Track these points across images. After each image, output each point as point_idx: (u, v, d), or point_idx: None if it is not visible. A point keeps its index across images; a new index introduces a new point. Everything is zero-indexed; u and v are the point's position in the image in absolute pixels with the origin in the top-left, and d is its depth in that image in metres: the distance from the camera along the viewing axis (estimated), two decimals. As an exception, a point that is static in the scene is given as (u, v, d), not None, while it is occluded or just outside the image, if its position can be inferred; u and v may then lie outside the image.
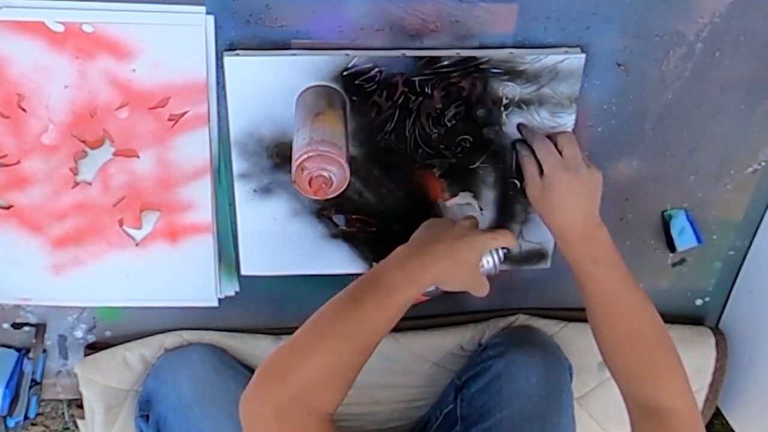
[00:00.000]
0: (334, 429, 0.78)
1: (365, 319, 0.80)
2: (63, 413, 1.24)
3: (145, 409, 1.03)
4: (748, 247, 1.11)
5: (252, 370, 1.09)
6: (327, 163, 0.79)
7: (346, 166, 0.79)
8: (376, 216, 1.00)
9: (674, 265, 1.12)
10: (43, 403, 1.21)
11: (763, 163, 1.03)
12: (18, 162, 0.93)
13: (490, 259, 0.91)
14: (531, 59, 0.88)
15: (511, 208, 1.00)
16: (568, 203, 0.89)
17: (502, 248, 0.92)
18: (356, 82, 0.88)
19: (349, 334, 0.80)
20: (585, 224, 0.90)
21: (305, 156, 0.78)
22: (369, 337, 0.81)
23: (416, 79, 0.88)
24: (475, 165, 0.96)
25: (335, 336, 0.79)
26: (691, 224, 1.06)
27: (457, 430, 1.01)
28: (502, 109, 0.91)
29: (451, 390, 1.07)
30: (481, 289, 0.90)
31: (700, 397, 1.17)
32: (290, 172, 0.80)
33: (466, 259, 0.87)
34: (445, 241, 0.87)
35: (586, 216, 0.90)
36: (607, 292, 0.89)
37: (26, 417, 1.12)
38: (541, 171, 0.90)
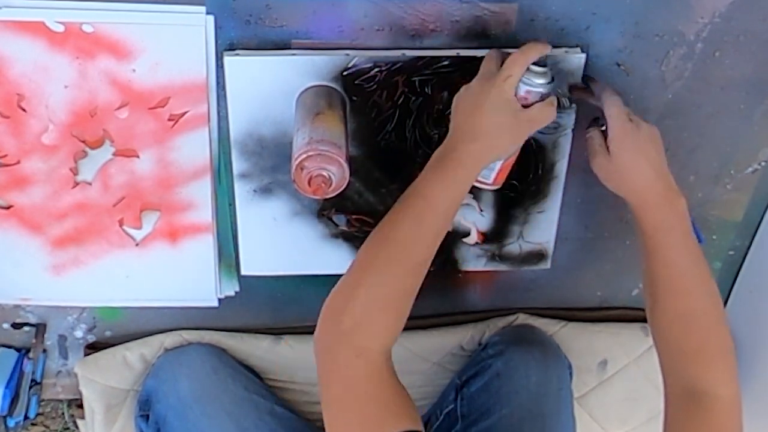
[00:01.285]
0: (387, 372, 0.76)
1: (405, 237, 0.77)
2: (63, 413, 1.24)
3: (145, 409, 1.03)
4: (748, 247, 1.11)
5: (252, 370, 1.09)
6: (326, 163, 0.79)
7: (345, 165, 0.79)
8: (376, 216, 0.99)
9: (674, 265, 1.12)
10: (43, 403, 1.21)
11: (763, 163, 1.03)
12: (18, 162, 0.93)
13: (525, 85, 0.80)
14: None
15: (511, 208, 1.00)
16: (642, 161, 0.84)
17: (533, 64, 0.80)
18: (356, 82, 0.88)
19: (390, 258, 0.77)
20: (664, 183, 0.85)
21: (305, 155, 0.79)
22: (414, 255, 0.78)
23: (416, 79, 0.88)
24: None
25: (375, 264, 0.77)
26: (692, 224, 1.05)
27: (457, 429, 1.01)
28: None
29: (452, 389, 1.07)
30: (539, 122, 0.81)
31: (700, 397, 1.17)
32: (290, 171, 0.80)
33: (493, 123, 0.79)
34: (463, 124, 0.80)
35: (663, 176, 0.85)
36: (677, 265, 0.84)
37: (26, 417, 1.12)
38: (604, 137, 0.86)
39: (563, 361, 1.06)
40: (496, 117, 0.79)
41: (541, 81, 0.80)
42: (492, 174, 0.86)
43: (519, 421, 0.97)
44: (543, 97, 0.81)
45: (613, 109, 0.84)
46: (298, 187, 0.80)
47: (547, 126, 0.83)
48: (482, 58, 0.87)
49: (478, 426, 0.98)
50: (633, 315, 1.15)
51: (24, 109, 0.89)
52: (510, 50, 0.82)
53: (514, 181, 0.97)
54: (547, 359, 1.01)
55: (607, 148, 0.85)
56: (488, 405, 0.99)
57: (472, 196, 0.99)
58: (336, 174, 0.80)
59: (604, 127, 0.87)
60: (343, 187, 0.81)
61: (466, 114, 0.80)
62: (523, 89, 0.80)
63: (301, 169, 0.79)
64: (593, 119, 0.90)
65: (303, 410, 1.11)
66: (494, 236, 1.02)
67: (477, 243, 1.02)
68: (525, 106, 0.80)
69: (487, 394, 1.00)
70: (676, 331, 0.85)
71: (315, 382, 1.10)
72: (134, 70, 0.87)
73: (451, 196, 0.79)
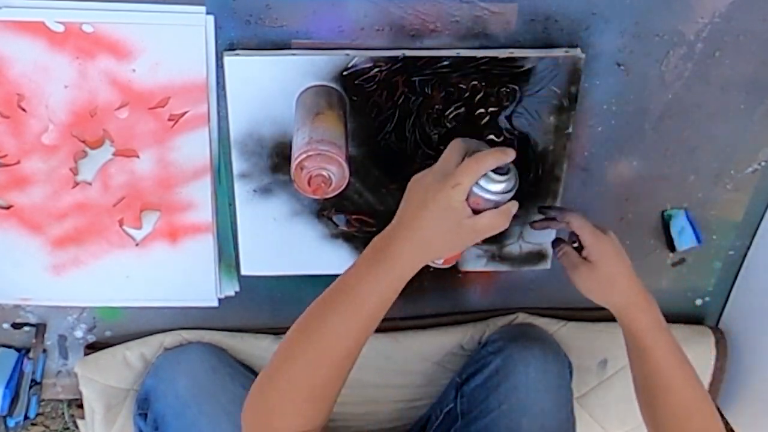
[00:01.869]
0: None
1: (328, 332, 0.75)
2: (63, 413, 1.24)
3: (144, 408, 1.03)
4: (748, 247, 1.11)
5: (251, 370, 1.09)
6: (326, 163, 0.79)
7: (345, 165, 0.79)
8: (376, 216, 0.99)
9: (674, 265, 1.12)
10: (43, 403, 1.21)
11: (763, 163, 1.03)
12: (18, 162, 0.93)
13: (479, 189, 0.74)
14: (531, 59, 0.88)
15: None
16: (621, 267, 0.89)
17: (494, 170, 0.75)
18: (356, 82, 0.88)
19: (308, 352, 0.75)
20: (642, 288, 0.89)
21: (304, 155, 0.79)
22: (334, 352, 0.75)
23: (416, 79, 0.88)
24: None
25: (294, 356, 0.76)
26: (691, 224, 1.06)
27: (457, 426, 1.01)
28: (503, 109, 0.91)
29: (452, 388, 1.07)
30: (487, 230, 0.76)
31: (700, 397, 1.17)
32: (290, 171, 0.80)
33: (434, 227, 0.74)
34: (404, 220, 0.75)
35: (637, 280, 0.89)
36: (669, 363, 0.87)
37: (26, 417, 1.12)
38: (579, 252, 0.90)
39: (563, 358, 1.06)
40: (438, 222, 0.74)
41: (497, 189, 0.75)
42: (440, 260, 0.86)
43: (518, 418, 0.97)
44: (497, 205, 0.75)
45: (578, 224, 0.89)
46: (298, 187, 0.80)
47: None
48: (482, 58, 0.87)
49: (478, 423, 0.98)
50: (633, 315, 1.15)
51: (24, 109, 0.89)
52: (475, 142, 0.78)
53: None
54: (546, 356, 1.01)
55: (584, 259, 0.89)
56: (487, 402, 0.99)
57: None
58: (336, 174, 0.80)
59: (575, 244, 0.91)
60: (343, 187, 0.81)
61: (412, 207, 0.75)
62: (475, 194, 0.74)
63: (301, 168, 0.79)
64: (555, 240, 0.95)
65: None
66: (494, 236, 1.02)
67: (477, 243, 1.02)
68: (476, 211, 0.75)
69: (486, 390, 1.00)
70: (674, 427, 0.88)
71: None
72: (134, 70, 0.87)
73: (383, 296, 0.75)
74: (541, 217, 0.96)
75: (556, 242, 0.96)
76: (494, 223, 0.76)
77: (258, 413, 0.77)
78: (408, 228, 0.75)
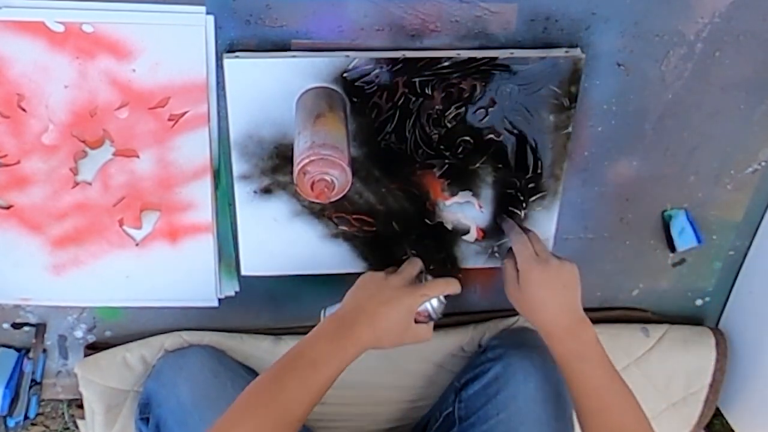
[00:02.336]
0: None
1: (288, 396, 0.82)
2: (63, 413, 1.24)
3: (145, 412, 1.03)
4: (748, 247, 1.11)
5: (252, 371, 1.09)
6: (329, 167, 0.78)
7: (348, 169, 0.79)
8: (376, 216, 1.00)
9: (674, 265, 1.12)
10: (43, 403, 1.21)
11: (763, 163, 1.03)
12: (18, 162, 0.93)
13: (428, 306, 0.92)
14: (531, 59, 0.88)
15: (511, 205, 1.00)
16: (546, 296, 0.92)
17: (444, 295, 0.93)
18: (356, 83, 0.88)
19: (269, 413, 0.81)
20: (569, 318, 0.91)
21: (307, 160, 0.78)
22: (291, 414, 0.82)
23: (416, 80, 0.88)
24: (476, 166, 0.96)
25: (254, 415, 0.81)
26: (691, 224, 1.06)
27: (454, 431, 1.01)
28: (503, 110, 0.91)
29: (451, 392, 1.07)
30: (419, 339, 0.92)
31: (700, 397, 1.17)
32: (291, 173, 0.80)
33: (392, 323, 0.88)
34: (369, 309, 0.89)
35: (568, 310, 0.92)
36: (594, 388, 0.89)
37: (26, 417, 1.12)
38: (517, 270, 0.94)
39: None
40: (398, 318, 0.89)
41: (438, 310, 0.92)
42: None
43: (516, 426, 0.97)
44: (430, 319, 0.92)
45: (518, 246, 0.94)
46: (301, 192, 0.80)
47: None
48: (482, 58, 0.87)
49: (475, 430, 0.99)
50: (633, 315, 1.15)
51: (24, 109, 0.89)
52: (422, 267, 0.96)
53: (515, 179, 0.97)
54: (546, 365, 1.01)
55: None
56: (486, 409, 0.99)
57: (471, 193, 0.99)
58: (339, 178, 0.79)
59: None
60: (346, 191, 0.81)
61: (375, 301, 0.89)
62: (424, 308, 0.91)
63: (304, 173, 0.79)
64: (509, 249, 0.98)
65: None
66: (493, 233, 1.02)
67: (477, 240, 1.02)
68: (414, 321, 0.91)
69: (485, 397, 1.00)
70: None
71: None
72: (134, 70, 0.87)
73: (339, 366, 0.85)
74: (504, 220, 1.01)
75: (508, 252, 0.99)
76: (427, 333, 0.92)
77: None
78: (374, 316, 0.88)
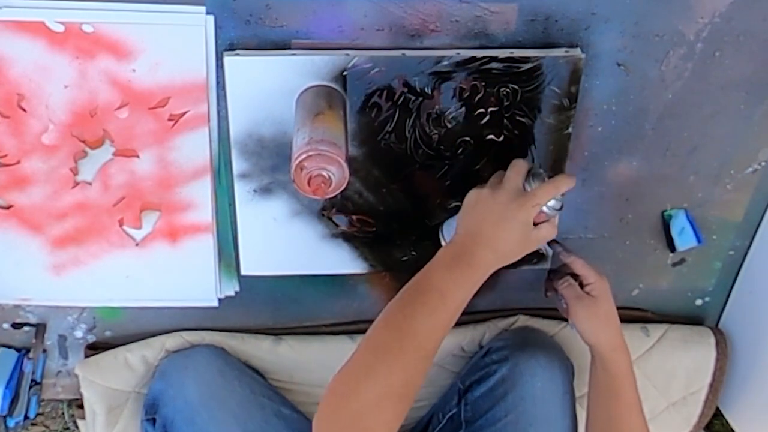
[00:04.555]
0: None
1: (419, 329, 0.79)
2: (63, 413, 1.24)
3: (151, 413, 1.02)
4: (748, 247, 1.11)
5: (256, 371, 1.09)
6: (326, 163, 0.79)
7: (345, 165, 0.79)
8: (376, 216, 1.00)
9: (674, 265, 1.12)
10: (43, 403, 1.21)
11: (763, 163, 1.03)
12: (18, 162, 0.93)
13: (544, 209, 0.86)
14: (531, 59, 0.88)
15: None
16: (614, 307, 0.96)
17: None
18: (356, 82, 0.88)
19: (404, 349, 0.78)
20: (622, 332, 0.97)
21: (304, 155, 0.78)
22: (426, 348, 0.79)
23: (416, 79, 0.88)
24: (476, 167, 0.96)
25: (390, 354, 0.78)
26: (691, 224, 1.06)
27: None
28: (503, 109, 0.91)
29: (454, 393, 1.07)
30: (545, 239, 0.87)
31: (700, 397, 1.17)
32: (290, 172, 0.80)
33: (511, 240, 0.84)
34: (484, 232, 0.84)
35: (619, 324, 0.98)
36: (632, 405, 0.95)
37: (26, 417, 1.12)
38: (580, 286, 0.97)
39: (567, 363, 1.06)
40: (516, 235, 0.84)
41: (556, 207, 0.86)
42: None
43: (524, 427, 0.97)
44: (549, 218, 0.87)
45: (579, 263, 0.97)
46: (298, 188, 0.80)
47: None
48: (482, 58, 0.87)
49: None
50: (633, 315, 1.15)
51: (24, 109, 0.89)
52: (527, 163, 0.88)
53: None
54: (552, 364, 1.01)
55: (587, 293, 0.97)
56: (493, 411, 1.00)
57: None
58: (336, 174, 0.80)
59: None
60: (343, 187, 0.81)
61: (488, 223, 0.84)
62: (540, 211, 0.86)
63: (301, 169, 0.79)
64: (549, 271, 1.03)
65: (305, 411, 1.11)
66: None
67: None
68: (534, 224, 0.86)
69: (492, 399, 1.00)
70: None
71: (315, 383, 1.11)
72: (134, 70, 0.87)
73: (465, 295, 0.83)
74: (556, 275, 1.02)
75: (553, 273, 1.01)
76: (549, 233, 0.87)
77: (343, 419, 0.76)
78: (491, 239, 0.84)
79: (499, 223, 0.84)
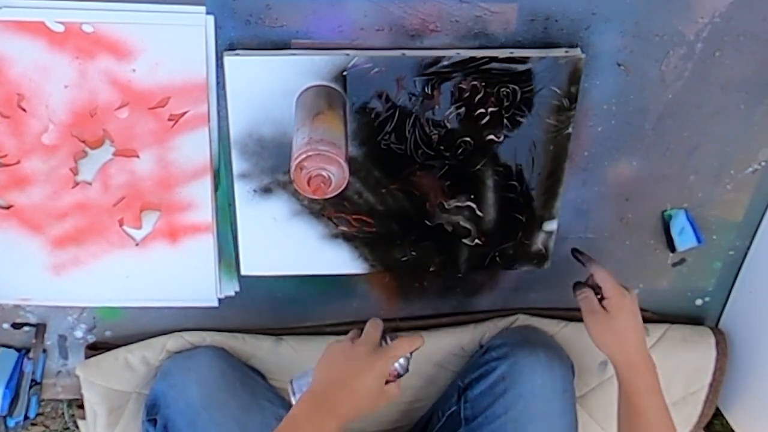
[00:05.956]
0: None
1: None
2: (63, 413, 1.24)
3: (153, 414, 1.02)
4: (748, 247, 1.11)
5: (257, 371, 1.09)
6: (326, 163, 0.79)
7: (345, 165, 0.79)
8: (376, 216, 1.00)
9: (674, 265, 1.12)
10: (43, 403, 1.21)
11: (763, 163, 1.03)
12: (18, 162, 0.93)
13: (396, 365, 0.91)
14: (531, 59, 0.88)
15: (511, 210, 1.00)
16: (633, 322, 0.96)
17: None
18: (356, 82, 0.88)
19: None
20: (647, 352, 0.95)
21: (304, 155, 0.78)
22: None
23: (416, 79, 0.88)
24: (476, 167, 0.96)
25: None
26: (691, 224, 1.06)
27: (461, 431, 1.01)
28: (503, 109, 0.91)
29: (454, 391, 1.07)
30: (392, 398, 0.90)
31: (700, 397, 1.17)
32: (290, 171, 0.80)
33: (368, 391, 0.87)
34: (343, 381, 0.87)
35: (645, 343, 0.96)
36: (657, 425, 0.92)
37: (26, 417, 1.12)
38: (599, 300, 0.96)
39: (567, 362, 1.06)
40: (374, 386, 0.87)
41: (406, 364, 0.91)
42: None
43: (524, 424, 0.98)
44: (399, 377, 0.91)
45: (604, 274, 0.97)
46: (298, 187, 0.80)
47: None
48: (482, 58, 0.87)
49: (484, 429, 0.99)
50: (633, 315, 1.15)
51: (24, 109, 0.89)
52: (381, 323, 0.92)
53: (514, 182, 0.97)
54: (552, 362, 1.01)
55: (603, 308, 0.96)
56: (493, 408, 1.00)
57: (471, 195, 0.99)
58: (335, 174, 0.80)
59: (597, 295, 0.98)
60: (343, 187, 0.81)
61: (349, 372, 0.87)
62: (393, 367, 0.90)
63: (301, 169, 0.79)
64: (575, 283, 1.01)
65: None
66: (494, 237, 1.02)
67: (477, 244, 1.02)
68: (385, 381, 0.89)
69: (491, 397, 1.01)
70: None
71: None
72: (134, 70, 0.88)
73: None
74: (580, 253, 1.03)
75: (577, 285, 1.01)
76: (395, 393, 0.89)
77: None
78: (351, 388, 0.86)
79: (360, 374, 0.87)
